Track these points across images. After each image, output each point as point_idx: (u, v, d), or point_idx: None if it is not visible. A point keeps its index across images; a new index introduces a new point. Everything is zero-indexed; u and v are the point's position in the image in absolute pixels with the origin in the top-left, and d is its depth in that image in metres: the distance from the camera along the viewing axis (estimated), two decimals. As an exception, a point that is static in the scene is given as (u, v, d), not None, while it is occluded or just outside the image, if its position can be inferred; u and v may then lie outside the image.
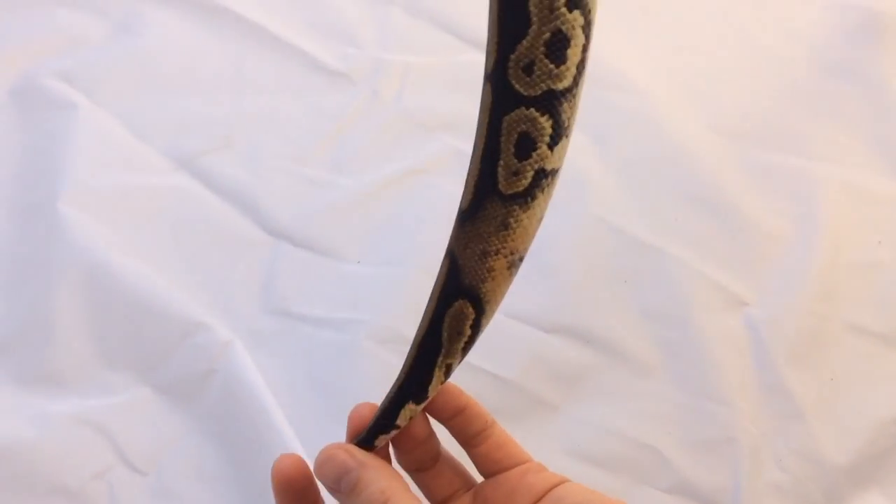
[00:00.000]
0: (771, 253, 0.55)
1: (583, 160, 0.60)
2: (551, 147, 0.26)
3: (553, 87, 0.25)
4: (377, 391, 0.48)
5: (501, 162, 0.27)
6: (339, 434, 0.46)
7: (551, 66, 0.25)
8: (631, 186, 0.59)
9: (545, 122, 0.26)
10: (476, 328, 0.30)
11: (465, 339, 0.30)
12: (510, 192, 0.27)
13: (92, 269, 0.50)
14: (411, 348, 0.31)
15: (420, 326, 0.30)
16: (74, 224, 0.52)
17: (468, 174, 0.28)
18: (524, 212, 0.28)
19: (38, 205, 0.54)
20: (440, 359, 0.30)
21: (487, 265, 0.29)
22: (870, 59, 0.64)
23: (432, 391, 0.31)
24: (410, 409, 0.32)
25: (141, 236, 0.54)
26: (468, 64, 0.67)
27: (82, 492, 0.44)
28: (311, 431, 0.45)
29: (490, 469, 0.35)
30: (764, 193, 0.57)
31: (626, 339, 0.51)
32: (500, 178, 0.27)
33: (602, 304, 0.53)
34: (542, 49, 0.25)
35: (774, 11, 0.68)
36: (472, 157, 0.28)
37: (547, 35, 0.24)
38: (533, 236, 0.29)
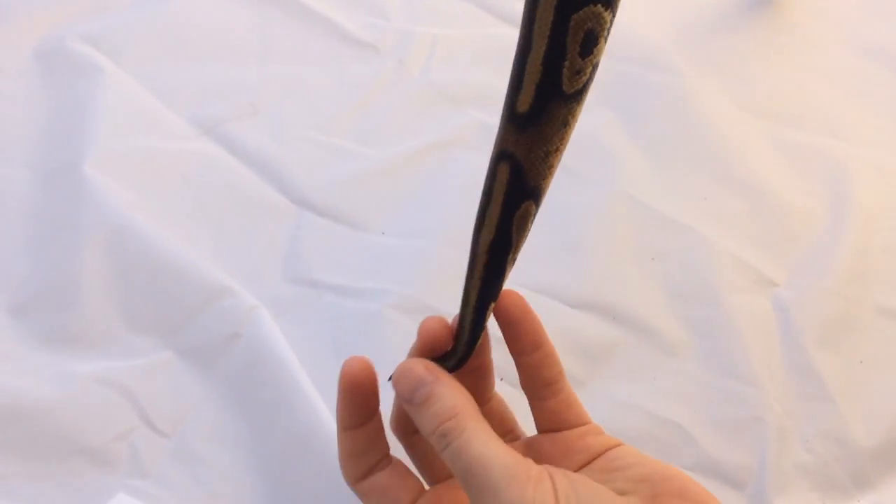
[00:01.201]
0: (801, 234, 0.54)
1: (612, 137, 0.59)
2: (606, 39, 0.27)
3: None
4: (402, 360, 0.48)
5: (567, 62, 0.27)
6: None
7: None
8: (660, 164, 0.58)
9: (607, 17, 0.26)
10: (533, 220, 0.31)
11: (528, 232, 0.31)
12: (572, 90, 0.27)
13: (117, 232, 0.50)
14: (477, 255, 0.31)
15: (483, 233, 0.31)
16: (100, 187, 0.52)
17: (525, 76, 0.27)
18: (579, 106, 0.28)
19: (64, 167, 0.54)
20: (510, 255, 0.31)
21: (549, 164, 0.29)
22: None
23: (503, 285, 0.33)
24: (492, 308, 0.33)
25: (165, 200, 0.53)
26: (496, 37, 0.66)
27: (105, 452, 0.44)
28: (335, 398, 0.45)
29: (552, 426, 0.34)
30: (795, 174, 0.56)
31: (653, 316, 0.51)
32: (564, 79, 0.27)
33: (629, 282, 0.53)
34: None
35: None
36: (529, 59, 0.27)
37: None
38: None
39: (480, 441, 0.29)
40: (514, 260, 0.32)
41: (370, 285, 0.51)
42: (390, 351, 0.48)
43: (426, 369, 0.31)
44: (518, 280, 0.52)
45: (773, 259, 0.53)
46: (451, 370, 0.33)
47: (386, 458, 0.34)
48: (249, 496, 0.44)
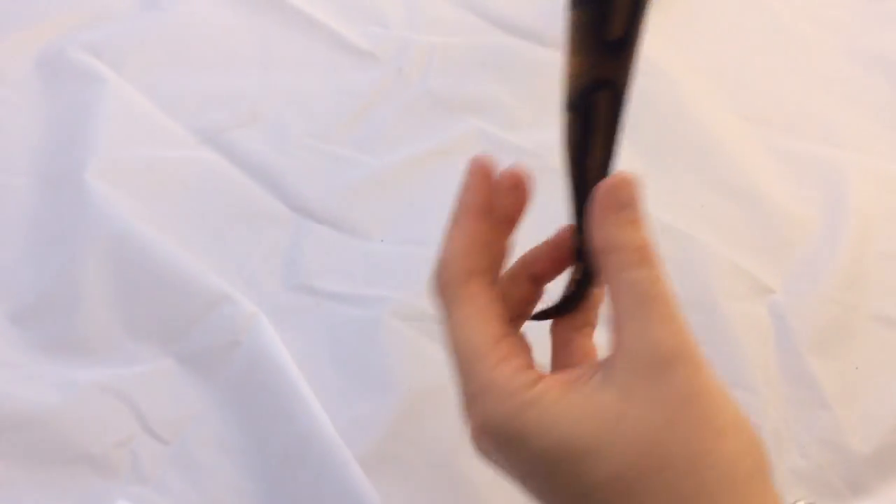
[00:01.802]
0: (798, 240, 0.54)
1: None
2: None
3: None
4: (402, 367, 0.49)
5: None
6: (364, 409, 0.46)
7: None
8: (658, 171, 0.58)
9: None
10: None
11: None
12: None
13: (118, 240, 0.50)
14: (588, 180, 0.32)
15: (590, 158, 0.31)
16: (101, 195, 0.52)
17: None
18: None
19: (66, 175, 0.54)
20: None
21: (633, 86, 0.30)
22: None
23: None
24: None
25: (166, 208, 0.54)
26: (494, 45, 0.66)
27: (106, 459, 0.45)
28: (337, 405, 0.45)
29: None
30: (792, 181, 0.57)
31: (650, 323, 0.51)
32: None
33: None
34: None
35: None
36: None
37: None
38: None
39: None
40: None
41: (369, 293, 0.52)
42: (389, 358, 0.48)
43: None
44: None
45: (769, 266, 0.54)
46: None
47: (491, 272, 0.32)
48: (249, 503, 0.44)
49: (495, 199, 0.32)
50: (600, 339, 0.34)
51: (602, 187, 0.30)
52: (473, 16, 0.68)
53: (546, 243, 0.35)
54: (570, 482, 0.26)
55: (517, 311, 0.34)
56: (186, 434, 0.46)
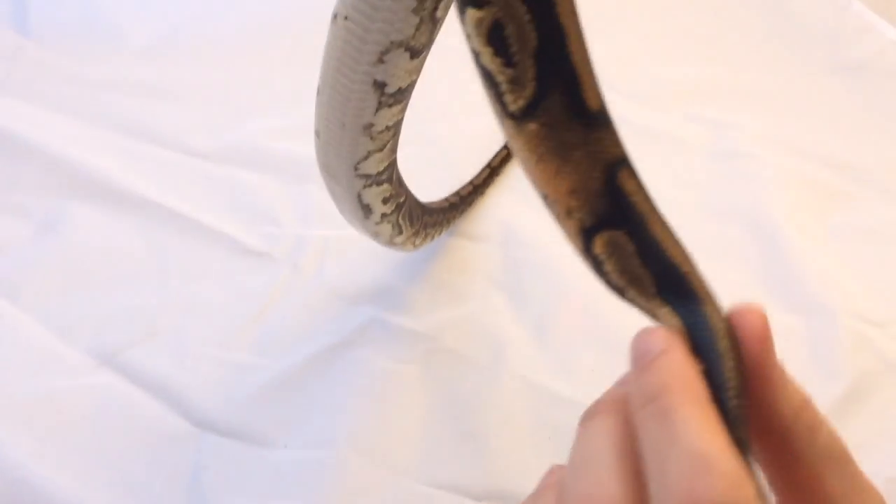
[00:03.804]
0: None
1: (501, 320, 0.63)
2: None
3: None
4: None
5: None
6: None
7: None
8: (548, 341, 0.61)
9: None
10: None
11: None
12: None
13: (11, 486, 0.50)
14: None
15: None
16: (-5, 439, 0.52)
17: (578, 68, 0.24)
18: None
19: (-41, 420, 0.54)
20: None
21: None
22: (756, 198, 0.69)
23: None
24: None
25: (62, 443, 0.53)
26: (385, 233, 0.70)
27: None
28: None
29: None
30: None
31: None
32: None
33: (530, 467, 0.54)
34: None
35: (665, 158, 0.73)
36: (572, 48, 0.24)
37: None
38: None
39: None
40: None
41: (276, 505, 0.52)
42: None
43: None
44: (418, 479, 0.53)
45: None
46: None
47: None
48: None
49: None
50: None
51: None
52: (362, 207, 0.72)
53: None
54: None
55: None
56: None
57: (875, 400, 0.57)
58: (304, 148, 0.74)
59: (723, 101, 0.77)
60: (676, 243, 0.29)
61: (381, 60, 0.27)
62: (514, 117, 0.25)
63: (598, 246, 0.28)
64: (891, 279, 0.64)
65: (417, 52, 0.27)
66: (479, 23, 0.24)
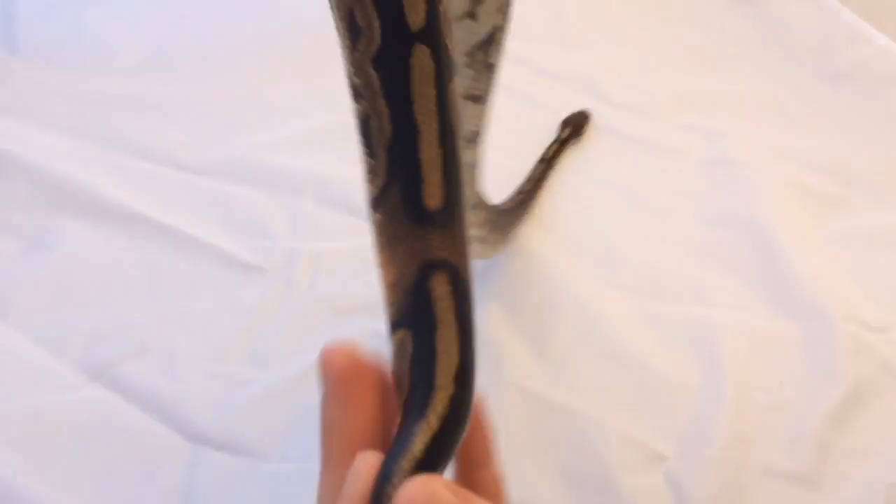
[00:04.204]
0: (682, 403, 0.57)
1: (497, 328, 0.62)
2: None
3: None
4: None
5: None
6: None
7: None
8: (545, 350, 0.61)
9: None
10: None
11: None
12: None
13: (3, 501, 0.49)
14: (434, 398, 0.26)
15: (441, 376, 0.26)
16: (-16, 456, 0.51)
17: (423, 164, 0.24)
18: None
19: (-53, 438, 0.53)
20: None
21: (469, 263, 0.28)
22: (751, 205, 0.69)
23: None
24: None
25: (55, 459, 0.53)
26: (378, 245, 0.69)
27: None
28: None
29: None
30: (667, 345, 0.60)
31: (554, 509, 0.52)
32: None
33: (527, 475, 0.54)
34: None
35: (659, 167, 0.73)
36: (422, 144, 0.24)
37: None
38: None
39: None
40: None
41: (271, 520, 0.51)
42: None
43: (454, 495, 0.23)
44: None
45: (660, 432, 0.55)
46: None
47: None
48: None
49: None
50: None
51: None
52: (355, 218, 0.71)
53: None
54: None
55: None
56: None
57: (875, 405, 0.57)
58: (296, 161, 0.75)
59: (716, 110, 0.78)
60: (450, 362, 0.26)
61: None
62: (370, 204, 0.26)
63: (394, 342, 0.28)
64: (887, 284, 0.64)
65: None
66: (357, 114, 0.26)
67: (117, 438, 0.55)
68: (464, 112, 0.28)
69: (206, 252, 0.67)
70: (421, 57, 0.24)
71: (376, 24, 0.24)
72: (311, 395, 0.58)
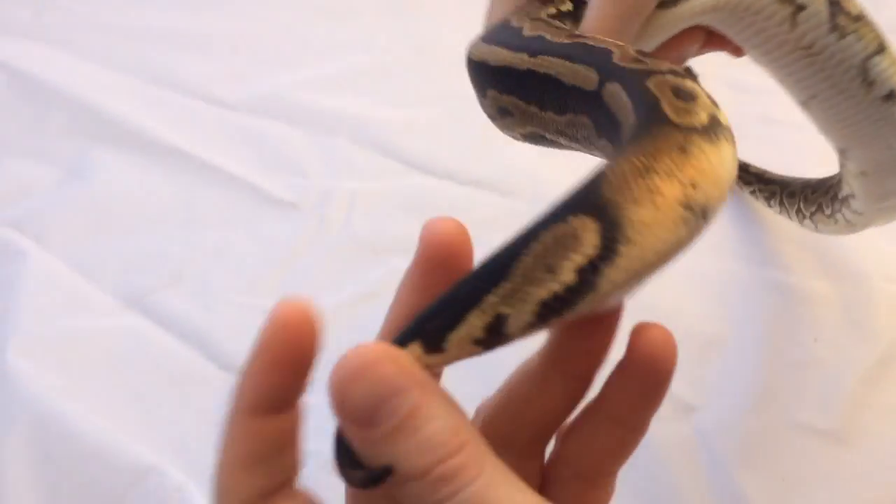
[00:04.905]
0: (712, 355, 0.56)
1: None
2: None
3: None
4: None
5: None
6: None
7: None
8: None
9: None
10: (587, 274, 0.19)
11: (557, 284, 0.19)
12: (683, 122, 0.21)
13: (41, 420, 0.50)
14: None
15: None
16: (23, 374, 0.52)
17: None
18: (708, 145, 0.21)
19: (-13, 356, 0.54)
20: (490, 297, 0.20)
21: (649, 184, 0.19)
22: (784, 164, 0.68)
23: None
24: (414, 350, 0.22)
25: (91, 381, 0.53)
26: (412, 187, 0.69)
27: None
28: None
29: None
30: (700, 299, 0.59)
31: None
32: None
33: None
34: None
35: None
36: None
37: None
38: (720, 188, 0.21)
39: (507, 489, 0.19)
40: (495, 317, 0.22)
41: (300, 448, 0.51)
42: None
43: (396, 366, 0.20)
44: None
45: (690, 383, 0.55)
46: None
47: (290, 484, 0.23)
48: None
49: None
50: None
51: (339, 375, 0.21)
52: (390, 160, 0.71)
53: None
54: None
55: None
56: None
57: (910, 364, 0.56)
58: (332, 100, 0.75)
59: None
60: None
61: None
62: None
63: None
64: (926, 245, 0.63)
65: None
66: None
67: (152, 364, 0.55)
68: None
69: (240, 187, 0.68)
70: None
71: None
72: (343, 331, 0.59)
